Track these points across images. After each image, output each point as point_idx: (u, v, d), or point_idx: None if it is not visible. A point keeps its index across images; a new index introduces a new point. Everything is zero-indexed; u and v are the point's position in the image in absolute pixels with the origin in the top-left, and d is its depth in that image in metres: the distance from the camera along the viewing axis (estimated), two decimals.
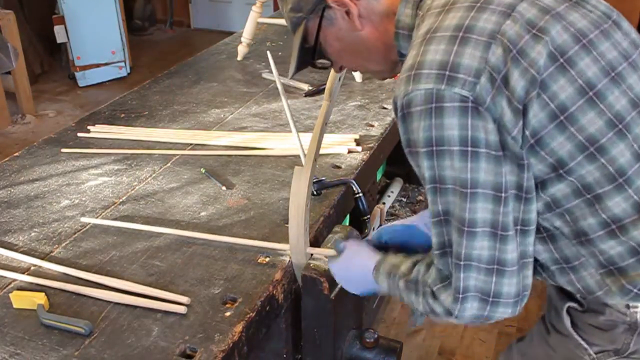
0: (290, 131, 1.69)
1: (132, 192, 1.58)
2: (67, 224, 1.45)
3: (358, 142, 1.78)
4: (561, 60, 0.85)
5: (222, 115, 2.01)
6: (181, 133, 1.88)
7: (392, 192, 2.37)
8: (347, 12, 1.00)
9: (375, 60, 1.08)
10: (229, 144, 1.81)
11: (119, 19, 4.59)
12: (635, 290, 0.91)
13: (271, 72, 2.16)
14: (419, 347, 2.24)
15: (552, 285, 1.06)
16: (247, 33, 2.51)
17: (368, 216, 1.65)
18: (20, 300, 1.18)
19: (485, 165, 0.85)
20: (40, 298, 1.16)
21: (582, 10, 0.91)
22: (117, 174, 1.66)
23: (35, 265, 1.30)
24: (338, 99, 2.05)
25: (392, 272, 1.04)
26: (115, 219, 1.45)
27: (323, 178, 1.55)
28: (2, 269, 1.29)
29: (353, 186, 1.58)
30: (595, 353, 1.03)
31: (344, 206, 1.58)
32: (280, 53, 2.53)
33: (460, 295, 0.91)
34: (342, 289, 1.24)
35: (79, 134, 1.87)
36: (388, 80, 1.28)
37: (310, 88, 2.15)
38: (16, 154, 1.79)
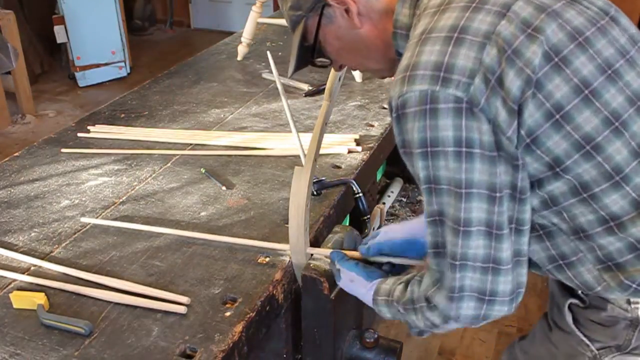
0: (290, 131, 1.69)
1: (132, 192, 1.58)
2: (67, 224, 1.45)
3: (358, 142, 1.78)
4: (556, 59, 0.85)
5: (222, 115, 2.01)
6: (181, 133, 1.88)
7: (392, 192, 2.37)
8: (347, 10, 1.00)
9: (375, 59, 1.08)
10: (229, 144, 1.81)
11: (119, 19, 4.59)
12: (634, 286, 0.91)
13: (271, 72, 2.16)
14: (419, 347, 2.24)
15: (554, 282, 1.06)
16: (247, 33, 2.51)
17: (368, 216, 1.65)
18: (20, 300, 1.18)
19: (480, 166, 0.86)
20: (40, 298, 1.17)
21: (578, 7, 0.90)
22: (117, 174, 1.66)
23: (35, 265, 1.30)
24: (338, 99, 2.05)
25: (388, 299, 1.05)
26: (115, 219, 1.45)
27: (323, 178, 1.55)
28: (2, 269, 1.29)
29: (353, 186, 1.58)
30: (597, 349, 1.04)
31: (344, 206, 1.58)
32: (280, 53, 2.53)
33: (456, 295, 0.91)
34: (342, 288, 1.24)
35: (79, 134, 1.87)
36: (388, 79, 1.28)
37: (310, 88, 2.15)
38: (16, 154, 1.79)
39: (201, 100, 2.14)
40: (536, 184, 0.90)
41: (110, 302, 1.18)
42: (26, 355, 1.07)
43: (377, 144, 1.79)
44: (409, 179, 2.52)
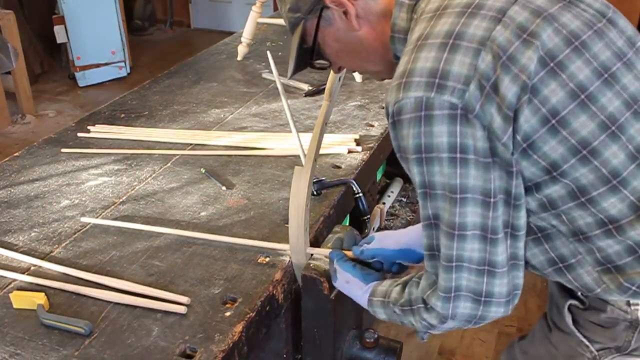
0: (290, 131, 1.69)
1: (132, 192, 1.58)
2: (67, 224, 1.45)
3: (358, 142, 1.78)
4: (552, 64, 0.85)
5: (222, 115, 2.01)
6: (181, 133, 1.88)
7: (392, 192, 2.37)
8: (345, 13, 1.00)
9: (374, 61, 1.08)
10: (229, 144, 1.81)
11: (119, 19, 4.59)
12: (633, 288, 0.91)
13: (271, 72, 2.16)
14: (419, 347, 2.24)
15: (553, 283, 1.07)
16: (247, 33, 2.51)
17: (368, 216, 1.65)
18: (20, 300, 1.18)
19: (474, 172, 0.86)
20: (40, 298, 1.17)
21: (575, 9, 0.90)
22: (117, 174, 1.66)
23: (35, 265, 1.30)
24: (338, 99, 2.05)
25: (385, 301, 1.05)
26: (115, 219, 1.45)
27: (323, 178, 1.55)
28: (2, 269, 1.29)
29: (353, 186, 1.58)
30: (597, 350, 1.04)
31: (344, 206, 1.59)
32: (280, 53, 2.53)
33: (452, 294, 0.91)
34: None
35: (79, 134, 1.87)
36: (387, 80, 1.28)
37: (310, 88, 2.15)
38: (16, 154, 1.79)
39: (201, 100, 2.14)
40: (534, 187, 0.90)
41: (110, 302, 1.19)
42: (26, 355, 1.07)
43: (377, 144, 1.79)
44: (409, 179, 2.51)
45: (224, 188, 1.58)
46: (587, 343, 1.04)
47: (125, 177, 1.65)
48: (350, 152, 1.73)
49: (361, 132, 1.85)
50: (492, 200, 0.87)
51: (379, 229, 2.01)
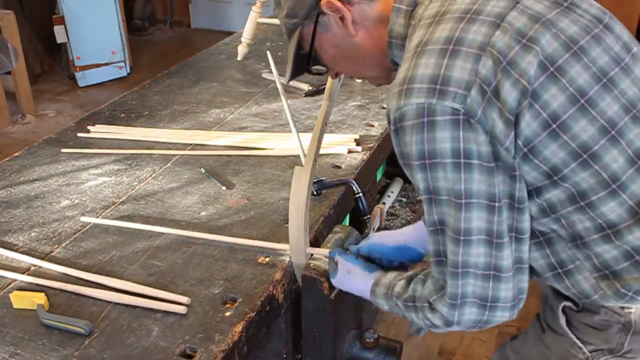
0: (290, 131, 1.69)
1: (132, 192, 1.58)
2: (67, 224, 1.45)
3: (358, 142, 1.78)
4: (551, 69, 0.85)
5: (222, 115, 2.01)
6: (181, 133, 1.88)
7: (392, 192, 2.37)
8: (341, 18, 1.00)
9: (370, 67, 1.08)
10: (229, 144, 1.81)
11: (119, 19, 4.58)
12: (630, 294, 0.91)
13: (271, 72, 2.16)
14: (419, 347, 2.24)
15: (547, 285, 1.07)
16: (247, 33, 2.51)
17: (368, 216, 1.65)
18: (20, 300, 1.18)
19: (479, 177, 0.86)
20: (40, 298, 1.17)
21: (572, 15, 0.90)
22: (117, 174, 1.66)
23: (35, 265, 1.30)
24: (338, 99, 2.05)
25: (388, 292, 1.06)
26: (115, 219, 1.45)
27: (323, 178, 1.55)
28: (2, 269, 1.29)
29: (353, 186, 1.58)
30: (590, 352, 1.04)
31: (344, 206, 1.59)
32: (280, 53, 2.53)
33: (459, 302, 0.92)
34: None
35: (79, 134, 1.87)
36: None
37: (310, 88, 2.15)
38: (16, 154, 1.79)
39: (201, 100, 2.14)
40: (534, 192, 0.91)
41: (110, 302, 1.19)
42: (26, 355, 1.07)
43: (377, 144, 1.79)
44: (409, 179, 2.51)
45: (224, 188, 1.58)
46: (580, 345, 1.04)
47: (125, 177, 1.65)
48: (350, 152, 1.73)
49: (361, 132, 1.85)
50: (496, 204, 0.87)
51: (379, 229, 2.01)
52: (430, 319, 0.97)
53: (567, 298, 1.04)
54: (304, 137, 1.64)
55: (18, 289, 1.22)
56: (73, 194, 1.57)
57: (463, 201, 0.87)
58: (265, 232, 1.40)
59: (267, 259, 1.30)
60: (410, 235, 1.22)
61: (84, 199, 1.55)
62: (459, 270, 0.90)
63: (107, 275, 1.26)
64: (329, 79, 1.21)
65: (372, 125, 1.89)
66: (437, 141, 0.86)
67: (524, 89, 0.84)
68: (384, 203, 2.24)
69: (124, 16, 4.72)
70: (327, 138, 1.74)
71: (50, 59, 4.99)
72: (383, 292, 1.07)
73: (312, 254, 1.28)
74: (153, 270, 1.28)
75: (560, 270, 0.97)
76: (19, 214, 1.49)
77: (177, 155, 1.75)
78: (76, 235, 1.40)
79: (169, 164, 1.71)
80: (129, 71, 4.81)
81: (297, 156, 1.67)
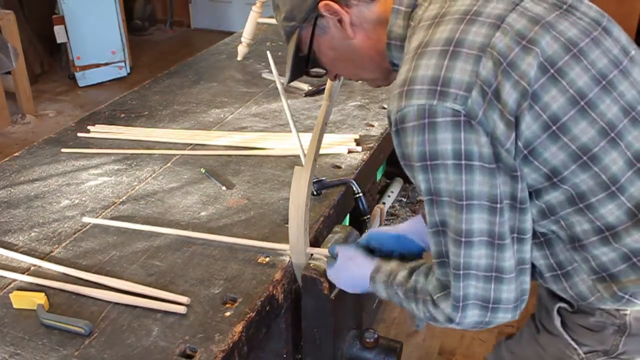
0: (290, 131, 1.69)
1: (132, 192, 1.58)
2: (67, 224, 1.45)
3: (358, 142, 1.78)
4: (552, 71, 0.85)
5: (222, 115, 2.01)
6: (181, 133, 1.88)
7: (392, 192, 2.37)
8: (340, 21, 1.00)
9: (369, 69, 1.08)
10: (229, 144, 1.81)
11: (119, 19, 4.58)
12: (627, 297, 0.92)
13: (271, 72, 2.16)
14: (419, 347, 2.24)
15: (542, 286, 1.07)
16: (247, 33, 2.51)
17: (368, 216, 1.65)
18: (20, 300, 1.18)
19: (480, 178, 0.86)
20: (40, 298, 1.17)
21: (572, 17, 0.91)
22: (117, 174, 1.66)
23: (35, 265, 1.30)
24: (338, 99, 2.05)
25: (388, 280, 1.05)
26: (115, 219, 1.45)
27: (323, 178, 1.55)
28: (2, 269, 1.29)
29: (353, 186, 1.58)
30: (585, 353, 1.04)
31: (344, 206, 1.59)
32: (280, 53, 2.53)
33: (461, 304, 0.92)
34: (342, 289, 1.24)
35: (79, 134, 1.87)
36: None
37: (310, 88, 2.15)
38: (16, 154, 1.79)
39: (201, 100, 2.14)
40: (534, 194, 0.91)
41: (110, 302, 1.19)
42: (26, 355, 1.07)
43: (377, 144, 1.79)
44: (409, 179, 2.51)
45: (224, 188, 1.58)
46: (575, 346, 1.04)
47: (125, 177, 1.65)
48: (350, 152, 1.73)
49: (361, 132, 1.85)
50: (498, 205, 0.87)
51: None
52: (432, 313, 0.97)
53: (562, 299, 1.04)
54: (304, 137, 1.64)
55: (18, 289, 1.22)
56: (73, 194, 1.57)
57: (464, 203, 0.87)
58: (265, 232, 1.40)
59: (267, 259, 1.30)
60: (409, 226, 1.23)
61: (84, 199, 1.55)
62: (460, 272, 0.90)
63: (107, 275, 1.26)
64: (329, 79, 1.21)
65: (372, 125, 1.89)
66: (438, 142, 0.86)
67: (524, 90, 0.84)
68: (384, 203, 2.24)
69: (124, 16, 4.72)
70: (327, 138, 1.74)
71: (50, 59, 4.99)
72: (383, 279, 1.06)
73: (312, 254, 1.28)
74: (153, 270, 1.28)
75: (559, 272, 0.97)
76: (19, 214, 1.49)
77: (177, 155, 1.75)
78: (76, 235, 1.40)
79: (169, 164, 1.71)
80: (129, 71, 4.81)
81: (297, 156, 1.67)
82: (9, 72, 3.92)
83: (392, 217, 2.33)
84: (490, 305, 0.92)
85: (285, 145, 1.77)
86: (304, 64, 1.07)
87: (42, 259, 1.32)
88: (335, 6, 0.98)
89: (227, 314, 1.15)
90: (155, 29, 6.06)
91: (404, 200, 2.44)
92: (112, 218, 1.46)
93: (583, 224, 0.90)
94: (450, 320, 0.95)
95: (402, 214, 2.36)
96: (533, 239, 0.94)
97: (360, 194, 1.60)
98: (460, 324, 0.94)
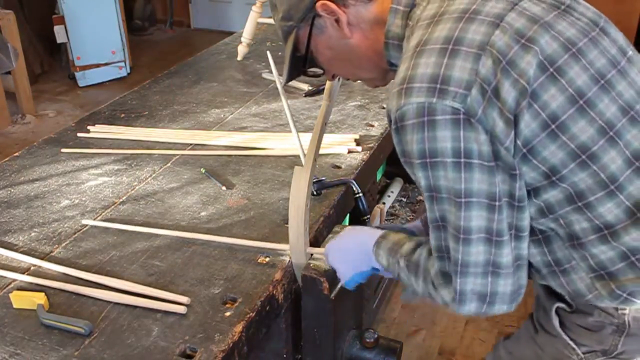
0: (290, 131, 1.69)
1: (132, 192, 1.58)
2: (67, 224, 1.45)
3: (358, 142, 1.78)
4: (551, 69, 0.86)
5: (222, 115, 2.01)
6: (181, 133, 1.88)
7: (392, 192, 2.37)
8: (337, 20, 1.00)
9: (367, 68, 1.08)
10: (229, 144, 1.81)
11: (119, 19, 4.58)
12: (624, 295, 0.92)
13: (271, 72, 2.16)
14: (419, 347, 2.24)
15: (540, 285, 1.07)
16: (247, 33, 2.51)
17: (368, 216, 1.65)
18: (20, 300, 1.18)
19: (479, 176, 0.87)
20: (40, 298, 1.17)
21: (570, 18, 0.91)
22: (117, 174, 1.66)
23: (35, 265, 1.30)
24: (338, 99, 2.05)
25: (393, 249, 1.06)
26: (115, 219, 1.45)
27: (323, 178, 1.55)
28: (2, 269, 1.29)
29: (353, 186, 1.58)
30: (584, 353, 1.04)
31: (344, 206, 1.59)
32: (280, 53, 2.53)
33: (459, 297, 0.93)
34: (342, 289, 1.25)
35: (79, 134, 1.87)
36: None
37: (310, 88, 2.15)
38: (16, 154, 1.79)
39: (201, 100, 2.14)
40: (532, 192, 0.91)
41: (110, 302, 1.19)
42: (26, 355, 1.07)
43: (377, 144, 1.79)
44: (409, 179, 2.52)
45: (224, 188, 1.58)
46: (574, 346, 1.05)
47: (125, 177, 1.65)
48: (350, 152, 1.73)
49: (361, 132, 1.85)
50: (497, 203, 0.88)
51: None
52: (431, 291, 0.98)
53: (560, 299, 1.04)
54: (304, 137, 1.64)
55: (18, 289, 1.22)
56: (73, 194, 1.57)
57: (463, 200, 0.87)
58: (265, 232, 1.40)
59: (267, 259, 1.30)
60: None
61: (84, 199, 1.55)
62: (458, 269, 0.91)
63: (107, 275, 1.26)
64: None
65: (372, 125, 1.89)
66: (437, 140, 0.86)
67: (523, 89, 0.84)
68: (384, 203, 2.24)
69: (124, 16, 4.72)
70: (327, 138, 1.74)
71: (50, 59, 4.99)
72: (389, 246, 1.07)
73: (312, 254, 1.28)
74: (153, 270, 1.28)
75: (556, 269, 0.97)
76: (19, 214, 1.49)
77: (177, 155, 1.75)
78: (76, 235, 1.40)
79: (169, 164, 1.71)
80: (129, 71, 4.81)
81: (297, 156, 1.67)
82: (9, 72, 3.92)
83: (392, 217, 2.33)
84: (488, 299, 0.93)
85: (285, 145, 1.77)
86: (301, 63, 1.07)
87: (42, 259, 1.32)
88: (333, 6, 0.98)
89: (227, 314, 1.15)
90: (155, 29, 6.06)
91: (404, 200, 2.44)
92: (112, 218, 1.46)
93: (582, 222, 0.90)
94: (448, 306, 0.96)
95: (402, 214, 2.36)
96: (531, 236, 0.95)
97: (360, 194, 1.60)
98: (457, 311, 0.95)
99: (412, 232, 1.23)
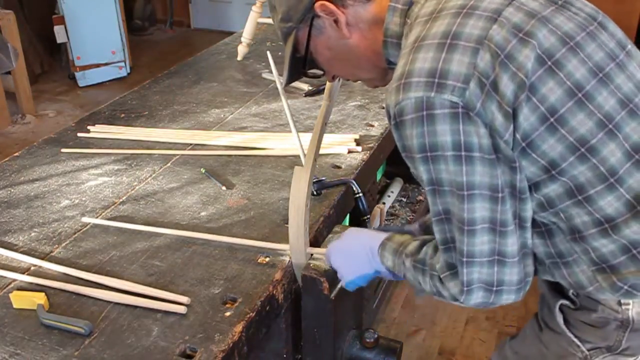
0: (290, 131, 1.69)
1: (132, 192, 1.58)
2: (67, 224, 1.45)
3: (358, 142, 1.78)
4: (549, 63, 0.86)
5: (222, 115, 2.01)
6: (181, 133, 1.88)
7: (392, 192, 2.37)
8: (336, 21, 1.01)
9: (366, 68, 1.08)
10: (229, 144, 1.81)
11: (119, 19, 4.58)
12: (626, 287, 0.92)
13: (271, 72, 2.16)
14: (419, 347, 2.24)
15: (544, 282, 1.08)
16: (247, 33, 2.51)
17: (368, 216, 1.65)
18: (20, 300, 1.18)
19: (480, 169, 0.87)
20: (40, 298, 1.17)
21: (567, 13, 0.92)
22: (117, 174, 1.66)
23: (35, 265, 1.30)
24: (338, 99, 2.05)
25: (398, 249, 1.06)
26: (115, 219, 1.45)
27: (323, 178, 1.55)
28: (2, 269, 1.29)
29: (353, 186, 1.58)
30: (588, 350, 1.04)
31: (344, 206, 1.59)
32: (280, 53, 2.53)
33: (466, 288, 0.94)
34: (342, 289, 1.24)
35: (79, 134, 1.87)
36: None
37: (310, 88, 2.15)
38: (16, 154, 1.79)
39: (201, 100, 2.14)
40: (533, 187, 0.91)
41: (110, 302, 1.19)
42: (26, 355, 1.07)
43: (377, 144, 1.79)
44: (409, 179, 2.52)
45: (224, 188, 1.58)
46: (578, 343, 1.05)
47: (125, 177, 1.65)
48: (350, 152, 1.73)
49: (361, 132, 1.85)
50: (499, 195, 0.88)
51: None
52: (438, 288, 0.98)
53: (564, 296, 1.04)
54: (304, 137, 1.64)
55: (18, 289, 1.22)
56: (73, 194, 1.57)
57: (465, 193, 0.88)
58: (265, 232, 1.40)
59: (267, 259, 1.30)
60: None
61: (84, 199, 1.55)
62: (464, 259, 0.92)
63: (107, 275, 1.26)
64: None
65: (372, 125, 1.89)
66: (437, 134, 0.86)
67: (521, 82, 0.85)
68: (384, 203, 2.24)
69: (124, 16, 4.72)
70: (327, 138, 1.74)
71: (50, 59, 4.99)
72: (394, 247, 1.07)
73: (312, 254, 1.28)
74: (153, 270, 1.28)
75: (559, 260, 0.97)
76: (19, 214, 1.49)
77: (177, 155, 1.75)
78: (76, 235, 1.40)
79: (169, 164, 1.71)
80: (129, 71, 4.81)
81: (297, 156, 1.67)
82: (9, 72, 3.92)
83: (392, 217, 2.33)
84: (494, 288, 0.93)
85: (285, 145, 1.77)
86: (301, 64, 1.07)
87: (42, 259, 1.32)
88: (331, 6, 0.99)
89: (227, 314, 1.15)
90: (155, 29, 6.06)
91: (404, 200, 2.44)
92: (112, 218, 1.46)
93: (582, 216, 0.90)
94: (455, 299, 0.96)
95: (402, 214, 2.36)
96: (534, 228, 0.95)
97: (360, 194, 1.60)
98: (465, 303, 0.96)
99: (410, 234, 1.23)
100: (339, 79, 1.20)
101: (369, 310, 2.06)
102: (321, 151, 1.59)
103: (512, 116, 0.86)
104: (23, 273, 1.27)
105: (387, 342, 1.38)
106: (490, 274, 0.92)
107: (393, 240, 1.09)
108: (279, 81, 1.63)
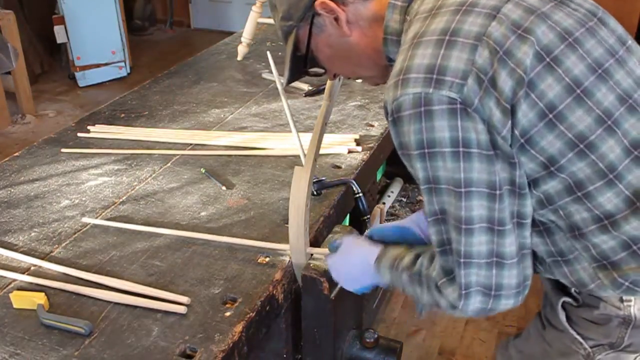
0: (290, 131, 1.69)
1: (132, 192, 1.58)
2: (67, 224, 1.45)
3: (358, 142, 1.78)
4: (548, 59, 0.86)
5: (222, 115, 2.01)
6: (181, 133, 1.88)
7: (392, 192, 2.38)
8: (336, 19, 1.01)
9: (366, 66, 1.08)
10: (229, 144, 1.81)
11: (119, 19, 4.58)
12: (627, 284, 0.92)
13: (271, 72, 2.16)
14: (419, 347, 2.24)
15: (547, 280, 1.07)
16: (247, 33, 2.51)
17: (368, 216, 1.65)
18: (20, 300, 1.18)
19: (478, 165, 0.87)
20: (40, 298, 1.17)
21: (566, 9, 0.92)
22: (117, 174, 1.66)
23: (35, 265, 1.30)
24: (338, 99, 2.05)
25: (394, 264, 1.05)
26: (115, 219, 1.45)
27: (323, 178, 1.55)
28: (2, 269, 1.29)
29: (353, 186, 1.58)
30: (591, 347, 1.04)
31: (344, 206, 1.59)
32: (280, 53, 2.53)
33: (464, 291, 0.92)
34: (342, 288, 1.24)
35: (79, 134, 1.87)
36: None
37: (310, 88, 2.15)
38: (16, 154, 1.79)
39: (201, 100, 2.14)
40: (532, 184, 0.91)
41: (110, 302, 1.19)
42: (26, 355, 1.07)
43: (377, 144, 1.79)
44: (409, 179, 2.52)
45: (224, 188, 1.58)
46: (581, 340, 1.05)
47: (125, 177, 1.65)
48: (350, 152, 1.73)
49: (361, 132, 1.85)
50: (497, 192, 0.88)
51: None
52: (436, 298, 0.97)
53: (566, 294, 1.04)
54: (304, 137, 1.64)
55: (18, 289, 1.22)
56: (73, 194, 1.57)
57: (463, 190, 0.87)
58: (265, 232, 1.40)
59: (267, 259, 1.30)
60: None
61: (84, 199, 1.55)
62: (462, 260, 0.91)
63: (107, 275, 1.26)
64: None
65: (372, 125, 1.89)
66: (435, 130, 0.86)
67: (519, 78, 0.85)
68: (384, 203, 2.25)
69: (124, 16, 4.72)
70: (327, 138, 1.74)
71: (50, 59, 4.99)
72: (389, 262, 1.06)
73: (312, 254, 1.28)
74: (153, 270, 1.28)
75: (559, 258, 0.97)
76: (19, 214, 1.49)
77: (177, 155, 1.75)
78: (76, 235, 1.40)
79: (169, 164, 1.71)
80: (129, 71, 4.81)
81: (297, 156, 1.67)
82: (9, 72, 3.92)
83: (392, 217, 2.33)
84: (493, 292, 0.92)
85: (285, 145, 1.77)
86: (302, 63, 1.07)
87: (42, 259, 1.32)
88: (332, 4, 0.99)
89: (227, 314, 1.15)
90: (155, 29, 6.06)
91: (404, 200, 2.44)
92: (112, 218, 1.46)
93: (582, 212, 0.90)
94: (453, 307, 0.95)
95: (402, 214, 2.36)
96: (533, 227, 0.95)
97: (360, 194, 1.60)
98: (463, 310, 0.94)
99: (409, 231, 1.22)
100: (340, 78, 1.20)
101: (369, 310, 2.06)
102: (321, 151, 1.59)
103: (511, 112, 0.85)
104: (23, 273, 1.27)
105: (387, 342, 1.38)
106: (488, 276, 0.91)
107: (387, 255, 1.08)
108: (279, 81, 1.63)
